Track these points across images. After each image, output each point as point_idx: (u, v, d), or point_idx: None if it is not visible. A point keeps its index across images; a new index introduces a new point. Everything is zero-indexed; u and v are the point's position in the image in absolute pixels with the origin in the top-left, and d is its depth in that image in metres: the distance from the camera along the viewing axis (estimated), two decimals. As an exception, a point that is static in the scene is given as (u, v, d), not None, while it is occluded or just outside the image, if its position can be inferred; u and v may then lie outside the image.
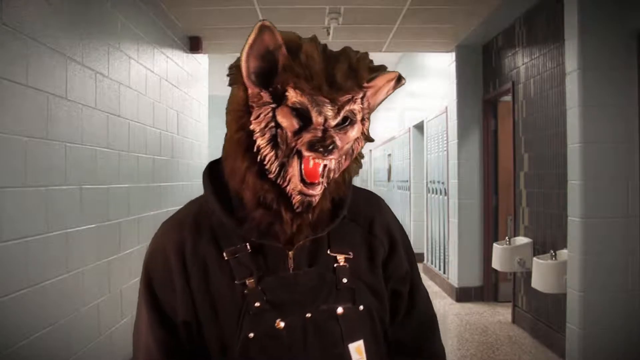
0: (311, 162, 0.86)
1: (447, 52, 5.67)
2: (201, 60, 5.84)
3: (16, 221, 2.29)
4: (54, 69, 2.62)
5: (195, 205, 0.99)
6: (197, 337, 0.93)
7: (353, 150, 0.92)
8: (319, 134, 0.85)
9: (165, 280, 0.95)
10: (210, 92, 6.29)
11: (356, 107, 0.89)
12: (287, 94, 0.86)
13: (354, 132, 0.90)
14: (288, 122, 0.86)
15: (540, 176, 4.19)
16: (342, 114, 0.87)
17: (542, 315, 4.19)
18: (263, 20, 0.87)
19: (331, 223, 0.94)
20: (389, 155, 9.64)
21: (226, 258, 0.91)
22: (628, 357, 3.07)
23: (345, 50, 0.91)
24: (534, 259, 3.81)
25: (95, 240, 3.07)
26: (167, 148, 4.54)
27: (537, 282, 3.73)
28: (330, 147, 0.84)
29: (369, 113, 0.94)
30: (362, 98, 0.90)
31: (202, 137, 5.86)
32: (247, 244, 0.91)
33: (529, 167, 4.38)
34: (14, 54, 2.29)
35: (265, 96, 0.88)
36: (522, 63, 4.52)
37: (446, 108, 5.87)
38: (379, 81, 0.93)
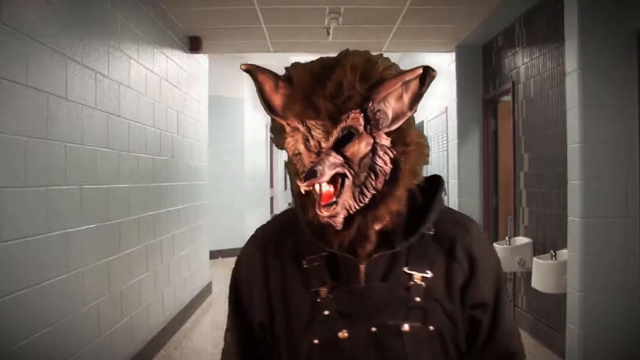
0: (316, 186, 0.88)
1: (447, 52, 5.67)
2: (201, 60, 5.85)
3: (16, 221, 2.29)
4: (54, 69, 2.62)
5: (287, 213, 1.05)
6: (270, 338, 0.99)
7: (376, 164, 0.89)
8: (314, 157, 0.87)
9: (247, 281, 1.02)
10: (210, 92, 6.29)
11: (356, 117, 0.87)
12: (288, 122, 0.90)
13: (361, 146, 0.88)
14: (300, 148, 0.90)
15: (540, 176, 4.18)
16: (335, 133, 0.87)
17: (542, 315, 4.19)
18: (244, 64, 0.93)
19: (408, 239, 0.93)
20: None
21: (305, 266, 0.95)
22: (628, 357, 3.06)
23: (340, 62, 0.88)
24: (534, 259, 3.81)
25: (95, 240, 3.07)
26: (167, 148, 4.54)
27: (537, 282, 3.73)
28: (306, 176, 0.84)
29: (395, 119, 0.89)
30: (366, 109, 0.87)
31: (202, 137, 5.86)
32: (325, 254, 0.94)
33: (529, 167, 4.38)
34: (14, 54, 2.29)
35: (288, 126, 0.91)
36: (522, 63, 4.52)
37: (446, 108, 5.87)
38: (390, 86, 0.88)
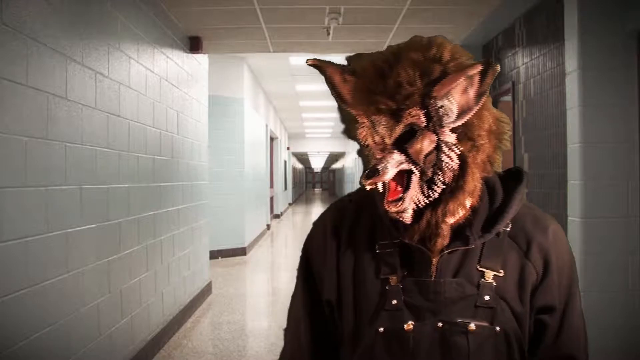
0: (379, 183, 0.87)
1: (447, 52, 5.67)
2: (201, 60, 5.85)
3: (16, 221, 2.29)
4: (54, 69, 2.62)
5: (365, 193, 1.00)
6: (337, 318, 0.98)
7: (441, 160, 0.86)
8: (379, 153, 0.87)
9: (319, 256, 1.01)
10: (210, 92, 6.29)
11: (418, 114, 0.85)
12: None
13: (424, 144, 0.85)
14: (369, 140, 0.89)
15: (540, 176, 4.19)
16: (397, 130, 0.85)
17: (542, 315, 4.18)
18: (309, 59, 0.91)
19: (485, 235, 0.92)
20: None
21: (377, 251, 0.94)
22: (628, 357, 3.06)
23: (401, 56, 0.85)
24: (534, 259, 3.80)
25: (95, 240, 3.07)
26: (167, 148, 4.54)
27: (537, 282, 3.73)
28: (368, 174, 0.83)
29: (461, 114, 0.85)
30: (428, 106, 0.84)
31: (202, 137, 5.86)
32: (398, 241, 0.93)
33: (529, 167, 4.38)
34: (14, 54, 2.29)
35: (358, 115, 0.90)
36: (522, 63, 4.52)
37: (446, 108, 5.86)
38: (452, 82, 0.84)
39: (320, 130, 21.95)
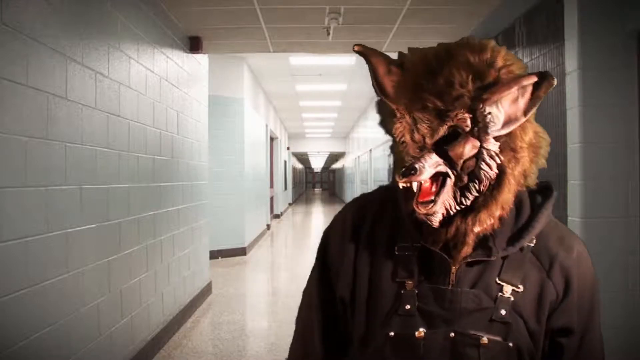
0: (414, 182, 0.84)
1: (447, 52, 5.67)
2: (201, 60, 5.85)
3: (16, 221, 2.29)
4: (54, 69, 2.62)
5: (387, 192, 1.00)
6: (348, 316, 0.97)
7: (480, 168, 0.84)
8: (417, 151, 0.83)
9: (336, 252, 1.00)
10: (210, 92, 6.29)
11: (464, 117, 0.82)
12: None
13: (466, 149, 0.83)
14: (407, 137, 0.86)
15: (540, 176, 4.18)
16: (440, 131, 0.82)
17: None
18: (356, 44, 0.89)
19: (508, 248, 0.89)
20: (390, 155, 9.64)
21: (396, 253, 0.93)
22: (628, 357, 3.06)
23: (455, 55, 0.83)
24: (534, 259, 3.80)
25: (95, 240, 3.07)
26: (167, 148, 4.54)
27: (537, 282, 3.73)
28: (405, 172, 0.81)
29: (507, 124, 0.83)
30: (475, 110, 0.82)
31: (202, 137, 5.86)
32: (418, 245, 0.91)
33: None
34: (14, 54, 2.29)
35: (398, 111, 0.87)
36: (522, 63, 4.51)
37: (446, 108, 5.86)
38: (504, 89, 0.81)
39: (320, 130, 21.95)
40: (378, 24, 4.95)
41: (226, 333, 4.78)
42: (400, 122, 0.86)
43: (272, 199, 14.96)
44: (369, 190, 1.09)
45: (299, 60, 8.66)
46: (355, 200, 1.05)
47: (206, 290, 6.00)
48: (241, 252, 8.87)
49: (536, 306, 0.90)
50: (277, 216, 16.83)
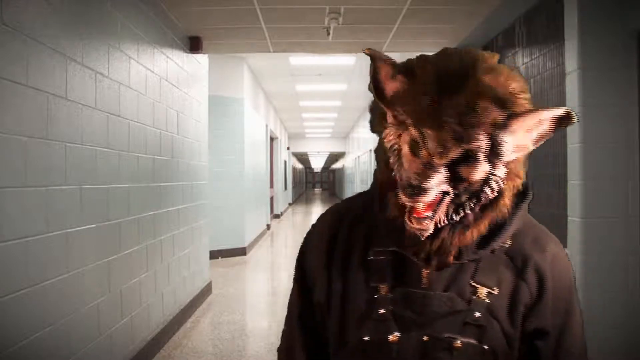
0: None
1: (447, 52, 5.67)
2: (201, 60, 5.85)
3: (16, 221, 2.29)
4: (54, 69, 2.62)
5: (363, 198, 1.00)
6: (326, 320, 0.98)
7: (484, 192, 0.84)
8: (419, 167, 0.80)
9: (313, 258, 1.01)
10: (210, 92, 6.29)
11: (481, 143, 0.79)
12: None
13: (477, 173, 0.81)
14: (404, 149, 0.84)
15: (540, 176, 4.19)
16: (453, 154, 0.79)
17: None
18: (367, 48, 0.86)
19: (479, 251, 0.89)
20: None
21: (370, 258, 0.93)
22: (628, 356, 3.06)
23: (474, 75, 0.79)
24: (534, 259, 3.80)
25: (95, 240, 3.07)
26: (167, 148, 4.54)
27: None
28: (413, 193, 0.79)
29: (519, 150, 0.84)
30: (495, 137, 0.80)
31: (202, 137, 5.86)
32: (392, 251, 0.91)
33: (529, 167, 4.38)
34: (14, 54, 2.29)
35: (392, 117, 0.86)
36: (522, 63, 4.51)
37: (446, 108, 5.86)
38: (527, 120, 0.81)
39: (320, 130, 21.95)
40: (378, 24, 4.95)
41: (226, 333, 4.78)
42: (395, 128, 0.85)
43: (272, 199, 14.96)
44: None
45: (299, 60, 8.66)
46: (333, 207, 1.05)
47: (206, 290, 6.00)
48: (241, 252, 8.87)
49: (510, 309, 0.89)
50: (277, 216, 16.84)
